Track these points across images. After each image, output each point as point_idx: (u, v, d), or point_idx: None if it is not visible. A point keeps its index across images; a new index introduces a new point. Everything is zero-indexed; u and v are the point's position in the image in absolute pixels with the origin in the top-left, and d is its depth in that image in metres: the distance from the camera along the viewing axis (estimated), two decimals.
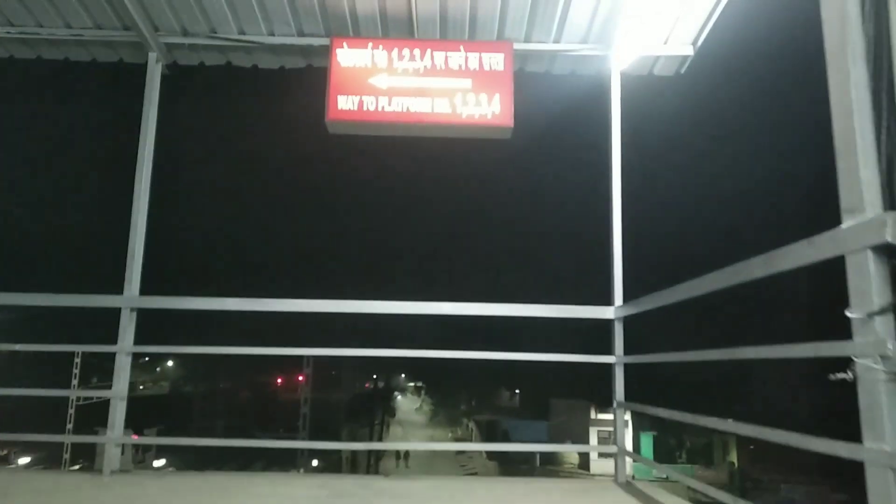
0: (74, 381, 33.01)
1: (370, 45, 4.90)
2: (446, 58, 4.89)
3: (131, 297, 4.56)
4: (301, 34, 5.11)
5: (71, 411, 32.83)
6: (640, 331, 4.88)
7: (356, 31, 5.10)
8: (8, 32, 5.09)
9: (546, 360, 4.58)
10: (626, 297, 4.63)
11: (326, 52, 4.92)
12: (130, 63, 5.33)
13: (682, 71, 5.38)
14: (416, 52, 4.90)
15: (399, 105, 4.79)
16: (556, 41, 5.15)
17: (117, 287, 4.60)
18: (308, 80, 5.36)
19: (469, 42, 4.99)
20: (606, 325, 4.76)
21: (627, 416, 38.55)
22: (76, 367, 33.25)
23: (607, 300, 4.72)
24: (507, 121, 4.79)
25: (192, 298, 4.51)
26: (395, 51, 4.90)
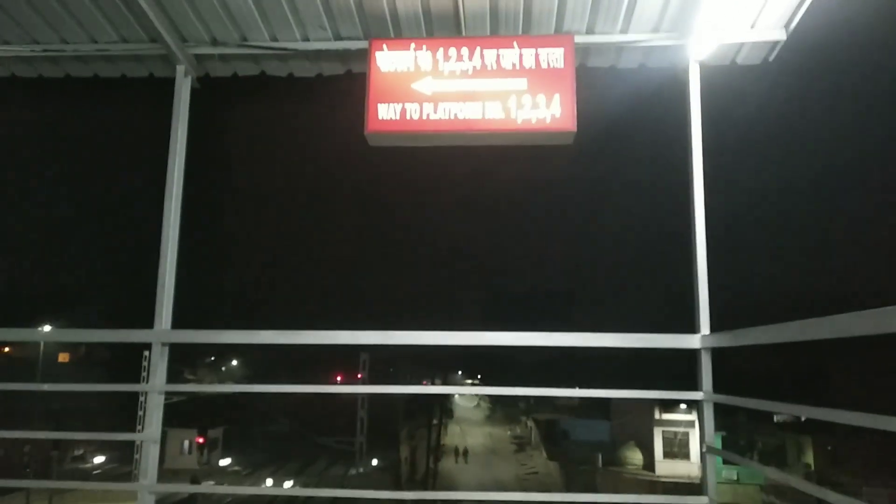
0: (143, 384, 33.94)
1: (412, 45, 4.40)
2: (498, 56, 4.35)
3: (162, 331, 4.21)
4: (338, 38, 4.66)
5: (140, 413, 33.82)
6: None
7: (397, 31, 4.61)
8: (33, 51, 4.81)
9: (629, 394, 4.03)
10: (714, 323, 4.01)
11: (365, 56, 4.45)
12: (161, 78, 4.98)
13: (771, 58, 4.69)
14: (464, 51, 4.38)
15: (446, 111, 4.28)
16: (624, 31, 4.54)
17: (149, 318, 4.26)
18: (348, 86, 4.91)
19: (523, 37, 4.43)
20: (687, 353, 4.15)
21: (694, 416, 37.23)
22: (144, 370, 34.24)
23: (690, 325, 4.11)
24: (570, 125, 4.21)
25: (226, 332, 4.12)
26: (441, 51, 4.39)
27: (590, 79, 4.82)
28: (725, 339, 3.70)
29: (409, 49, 4.40)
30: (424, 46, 4.40)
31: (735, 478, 33.85)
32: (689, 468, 35.91)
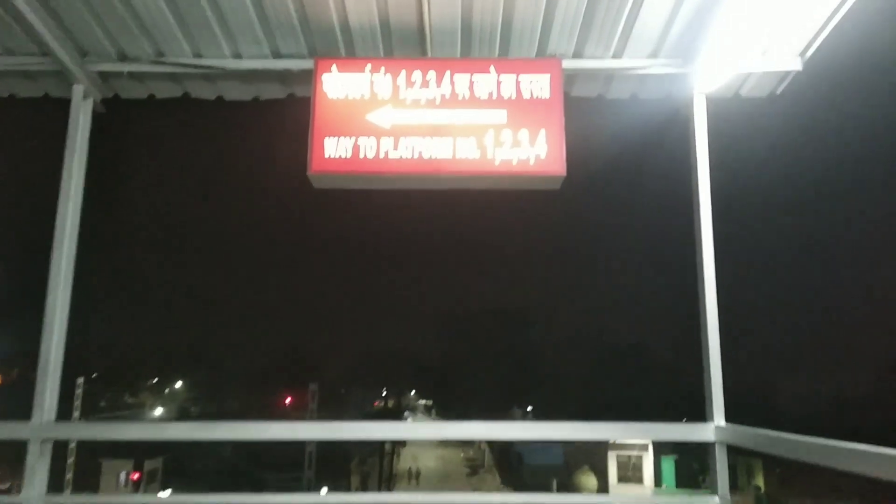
0: (76, 413, 31.91)
1: (368, 67, 3.62)
2: (471, 82, 3.61)
3: (44, 424, 3.28)
4: (277, 55, 3.84)
5: (72, 444, 31.72)
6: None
7: (350, 49, 3.82)
8: None
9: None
10: (730, 410, 3.34)
11: (310, 78, 3.64)
12: (61, 98, 4.06)
13: (779, 91, 4.09)
14: (431, 75, 3.62)
15: (408, 149, 3.50)
16: (617, 56, 3.86)
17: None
18: (292, 113, 4.09)
19: (502, 60, 3.71)
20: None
21: (647, 440, 37.09)
22: (77, 399, 32.17)
23: (699, 412, 3.44)
24: (558, 167, 3.49)
25: (127, 425, 3.23)
26: (403, 74, 3.62)
27: (573, 111, 4.12)
28: (743, 437, 3.05)
29: (363, 71, 3.62)
30: (383, 68, 3.62)
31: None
32: (642, 493, 35.62)
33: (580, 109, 4.18)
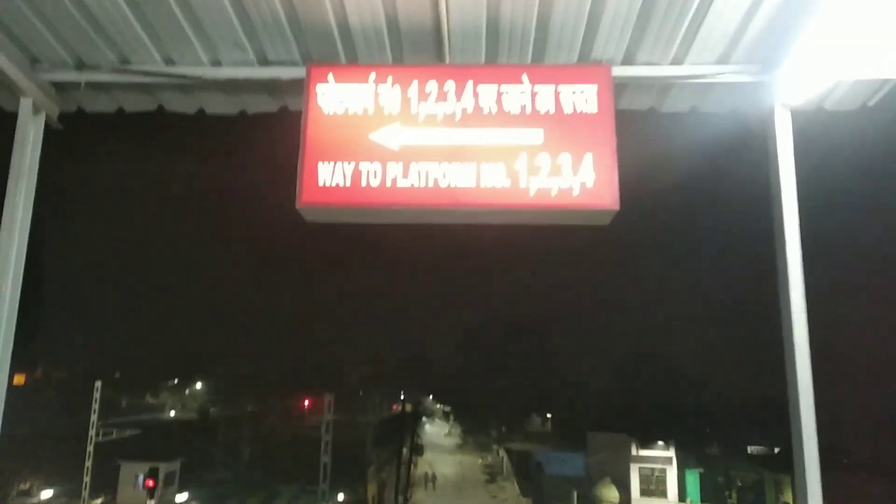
0: (94, 417, 31.79)
1: (372, 75, 2.95)
2: (499, 94, 2.93)
3: None
4: (263, 62, 3.19)
5: (90, 448, 31.62)
6: None
7: (350, 54, 3.16)
8: None
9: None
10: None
11: (302, 88, 2.98)
12: (11, 113, 3.45)
13: (872, 103, 3.36)
14: (449, 86, 2.94)
15: (421, 176, 2.83)
16: (677, 62, 3.16)
17: None
18: (286, 128, 3.44)
19: (537, 67, 3.02)
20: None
21: (672, 453, 36.08)
22: (95, 403, 32.05)
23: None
24: (608, 199, 2.79)
25: None
26: (415, 85, 2.95)
27: (618, 126, 3.43)
28: None
29: (366, 80, 2.95)
30: (390, 78, 2.95)
31: None
32: None
33: (628, 125, 3.48)
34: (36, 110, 3.13)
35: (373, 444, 43.83)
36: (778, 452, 37.62)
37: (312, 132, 2.88)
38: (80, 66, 3.18)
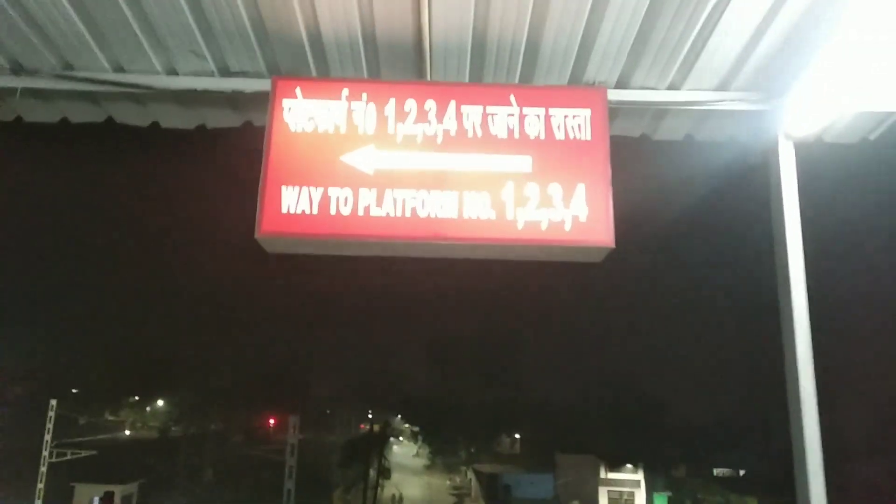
0: (47, 436, 30.60)
1: (345, 91, 2.67)
2: (485, 116, 2.67)
3: None
4: (225, 72, 2.89)
5: (43, 469, 30.36)
6: None
7: (322, 66, 2.88)
8: None
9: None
10: None
11: (266, 103, 2.69)
12: None
13: (874, 136, 3.19)
14: (430, 105, 2.68)
15: (397, 205, 2.55)
16: (674, 87, 2.94)
17: None
18: (247, 144, 3.13)
19: (526, 88, 2.78)
20: None
21: (640, 476, 36.01)
22: (50, 422, 30.84)
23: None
24: (602, 235, 2.54)
25: None
26: (392, 103, 2.67)
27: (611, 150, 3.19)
28: None
29: (338, 97, 2.67)
30: (365, 95, 2.68)
31: None
32: None
33: (617, 151, 3.25)
34: None
35: (339, 466, 43.05)
36: (743, 475, 37.88)
37: (276, 152, 2.58)
38: (18, 70, 2.84)
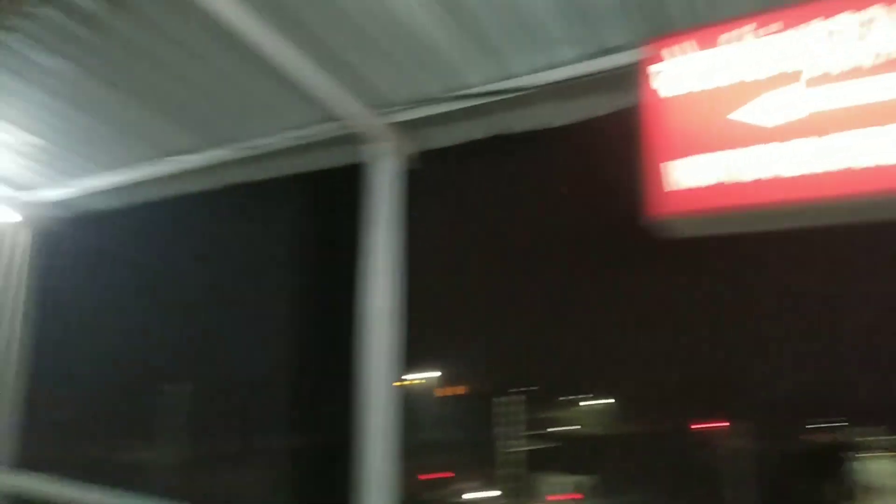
0: (510, 429, 34.53)
1: (725, 36, 2.23)
2: None
3: None
4: (598, 53, 2.72)
5: (512, 458, 34.26)
6: None
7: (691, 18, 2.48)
8: None
9: None
10: None
11: (627, 78, 2.43)
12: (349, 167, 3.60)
13: None
14: (845, 21, 2.05)
15: (820, 157, 2.00)
16: None
17: None
18: (621, 126, 2.90)
19: None
20: None
21: None
22: (514, 415, 34.59)
23: None
24: None
25: None
26: (790, 33, 2.13)
27: None
28: None
29: (717, 44, 2.24)
30: (752, 31, 2.19)
31: None
32: None
33: None
34: (384, 156, 3.20)
35: (797, 479, 38.65)
36: None
37: (657, 123, 2.30)
38: (418, 101, 3.14)
